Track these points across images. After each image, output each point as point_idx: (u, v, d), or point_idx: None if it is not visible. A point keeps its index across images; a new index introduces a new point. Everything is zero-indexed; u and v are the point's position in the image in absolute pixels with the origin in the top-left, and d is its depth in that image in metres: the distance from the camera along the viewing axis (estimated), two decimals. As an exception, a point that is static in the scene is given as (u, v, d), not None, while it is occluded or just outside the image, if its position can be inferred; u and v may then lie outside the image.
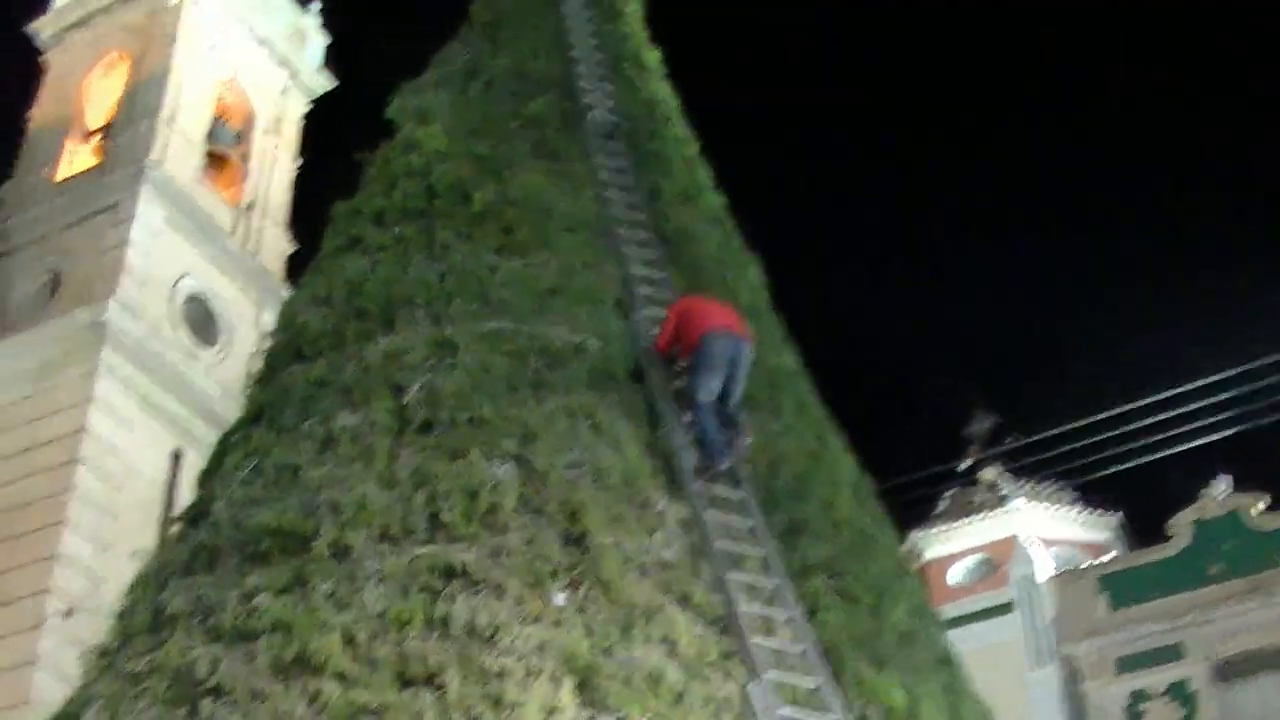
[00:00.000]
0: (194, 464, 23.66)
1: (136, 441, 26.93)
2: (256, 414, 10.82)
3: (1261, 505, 30.02)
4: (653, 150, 13.44)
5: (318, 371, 10.50)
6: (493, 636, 8.14)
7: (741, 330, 10.68)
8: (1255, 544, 29.53)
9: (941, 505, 36.66)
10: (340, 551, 8.78)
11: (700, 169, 14.02)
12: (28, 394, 27.23)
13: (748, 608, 9.10)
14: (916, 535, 34.34)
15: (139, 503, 26.45)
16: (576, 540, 8.95)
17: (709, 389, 10.36)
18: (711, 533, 9.49)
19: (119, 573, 18.27)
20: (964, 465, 37.00)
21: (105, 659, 9.21)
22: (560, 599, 8.50)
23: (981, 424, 37.92)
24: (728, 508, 9.81)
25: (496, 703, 7.78)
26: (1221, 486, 30.75)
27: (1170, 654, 29.13)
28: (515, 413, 9.73)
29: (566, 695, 7.91)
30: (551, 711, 7.80)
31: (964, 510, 35.72)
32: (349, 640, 8.20)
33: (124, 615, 9.63)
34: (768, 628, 9.19)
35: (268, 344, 11.87)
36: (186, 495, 11.24)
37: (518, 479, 9.21)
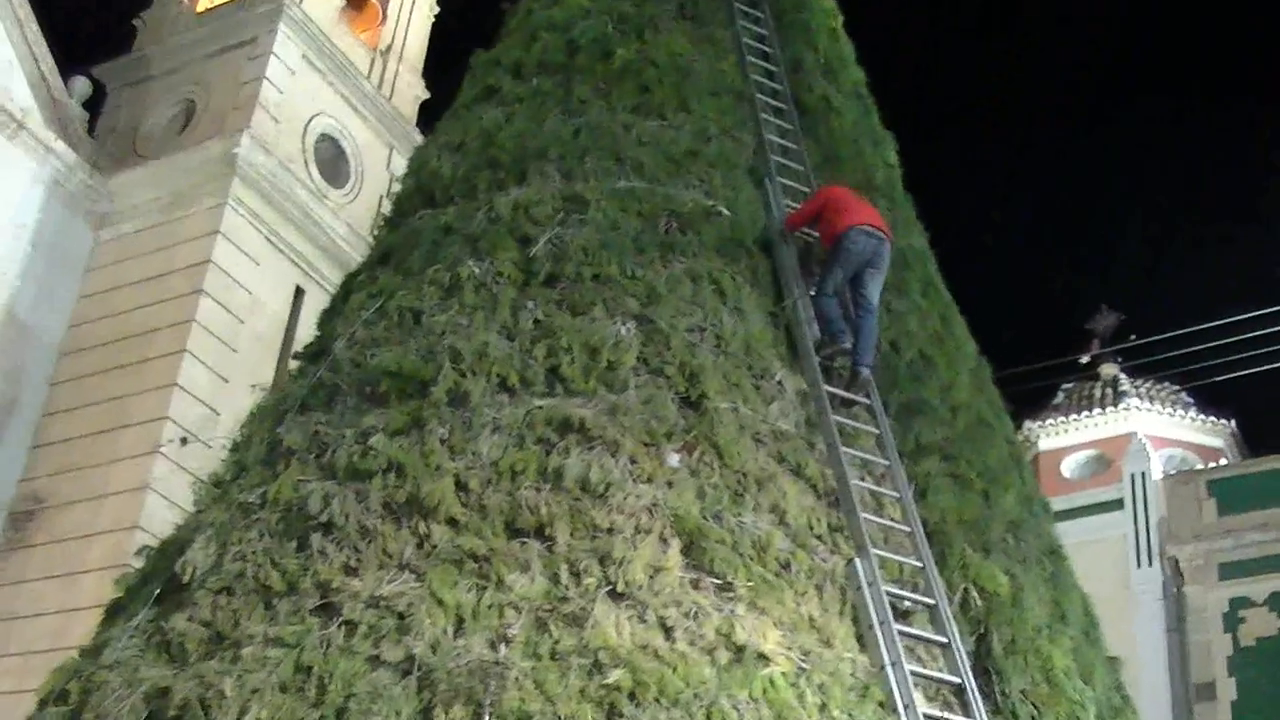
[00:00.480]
0: (316, 303, 23.91)
1: (261, 277, 27.19)
2: (383, 256, 10.88)
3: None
4: (798, 20, 13.27)
5: (447, 218, 10.51)
6: (604, 493, 8.19)
7: (885, 229, 10.57)
8: (1368, 459, 29.15)
9: (1059, 398, 36.41)
10: (458, 398, 8.83)
11: (844, 42, 13.81)
12: (157, 223, 27.54)
13: (859, 483, 9.11)
14: (1032, 426, 34.19)
15: (260, 338, 26.78)
16: (693, 403, 8.96)
17: (837, 281, 10.32)
18: (827, 406, 9.49)
19: (236, 406, 18.58)
20: (1084, 359, 36.68)
21: (219, 489, 9.35)
22: (674, 460, 8.52)
23: (1104, 320, 37.51)
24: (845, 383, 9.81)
25: (603, 558, 7.85)
26: (1340, 399, 30.32)
27: (1274, 564, 28.89)
28: (641, 273, 9.71)
29: (673, 556, 7.96)
30: (657, 571, 7.85)
31: (1081, 404, 35.49)
32: (461, 486, 8.26)
33: (239, 447, 9.76)
34: (877, 504, 9.20)
35: (398, 188, 11.91)
36: (307, 333, 11.34)
37: (639, 338, 9.22)
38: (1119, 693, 9.84)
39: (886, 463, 9.42)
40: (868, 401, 9.83)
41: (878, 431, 9.61)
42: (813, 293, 10.31)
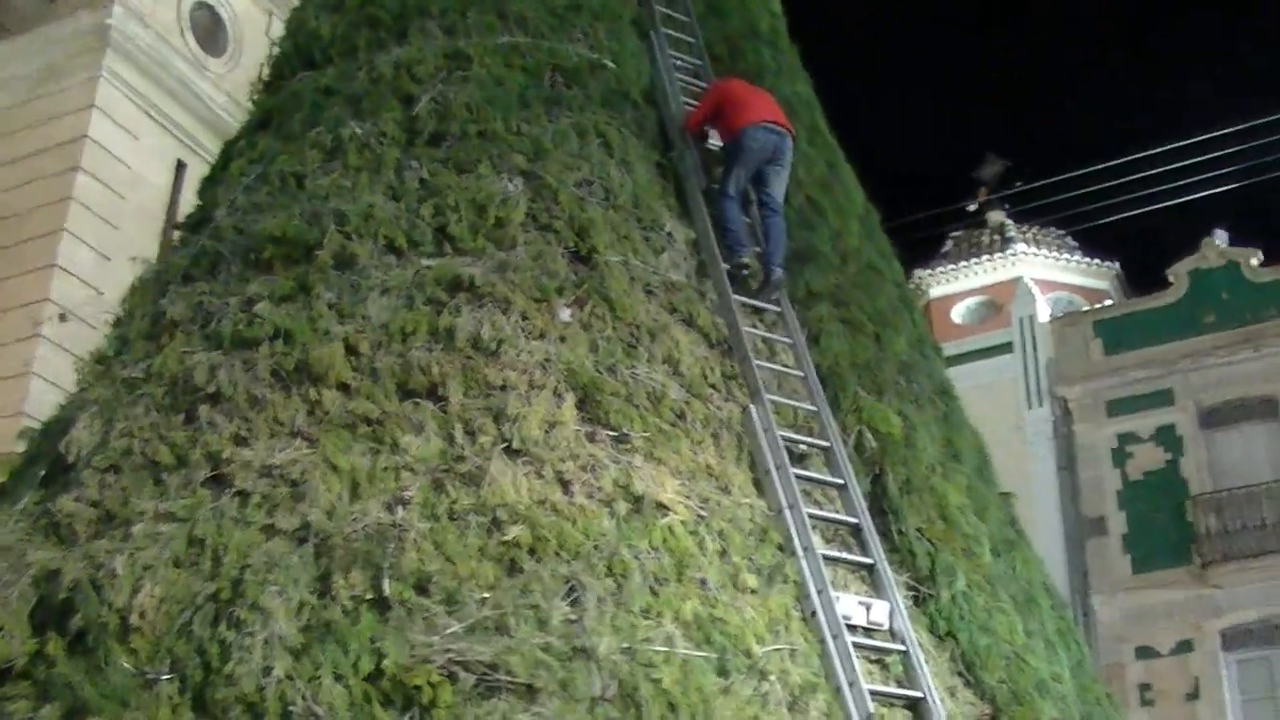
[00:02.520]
0: (198, 176, 23.33)
1: (140, 151, 26.62)
2: (263, 120, 10.66)
3: (1257, 260, 30.11)
4: None
5: (327, 80, 10.31)
6: (496, 350, 8.13)
7: (786, 123, 10.31)
8: (1250, 295, 29.74)
9: (947, 246, 36.79)
10: (344, 261, 8.71)
11: None
12: (27, 99, 26.80)
13: (751, 330, 9.11)
14: (922, 274, 34.55)
15: (142, 213, 26.26)
16: (583, 258, 8.90)
17: (739, 181, 10.00)
18: (717, 256, 9.46)
19: (119, 283, 18.21)
20: (972, 207, 37.02)
21: (101, 365, 9.13)
22: (565, 315, 8.47)
23: (991, 167, 37.87)
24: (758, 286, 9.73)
25: (498, 416, 7.80)
26: (1220, 238, 30.80)
27: (1160, 399, 29.51)
28: (527, 128, 9.59)
29: (568, 410, 7.94)
30: (552, 426, 7.82)
31: (969, 252, 35.91)
32: (351, 350, 8.17)
33: (121, 322, 9.55)
34: (770, 351, 9.23)
35: (277, 51, 11.64)
36: (190, 207, 11.11)
37: (526, 194, 9.12)
38: (1013, 527, 9.98)
39: (778, 307, 9.43)
40: (779, 309, 9.61)
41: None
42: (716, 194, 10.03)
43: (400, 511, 7.30)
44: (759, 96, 10.46)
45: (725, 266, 9.45)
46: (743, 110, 10.18)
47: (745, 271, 9.53)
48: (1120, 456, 29.48)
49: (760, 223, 10.06)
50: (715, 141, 10.41)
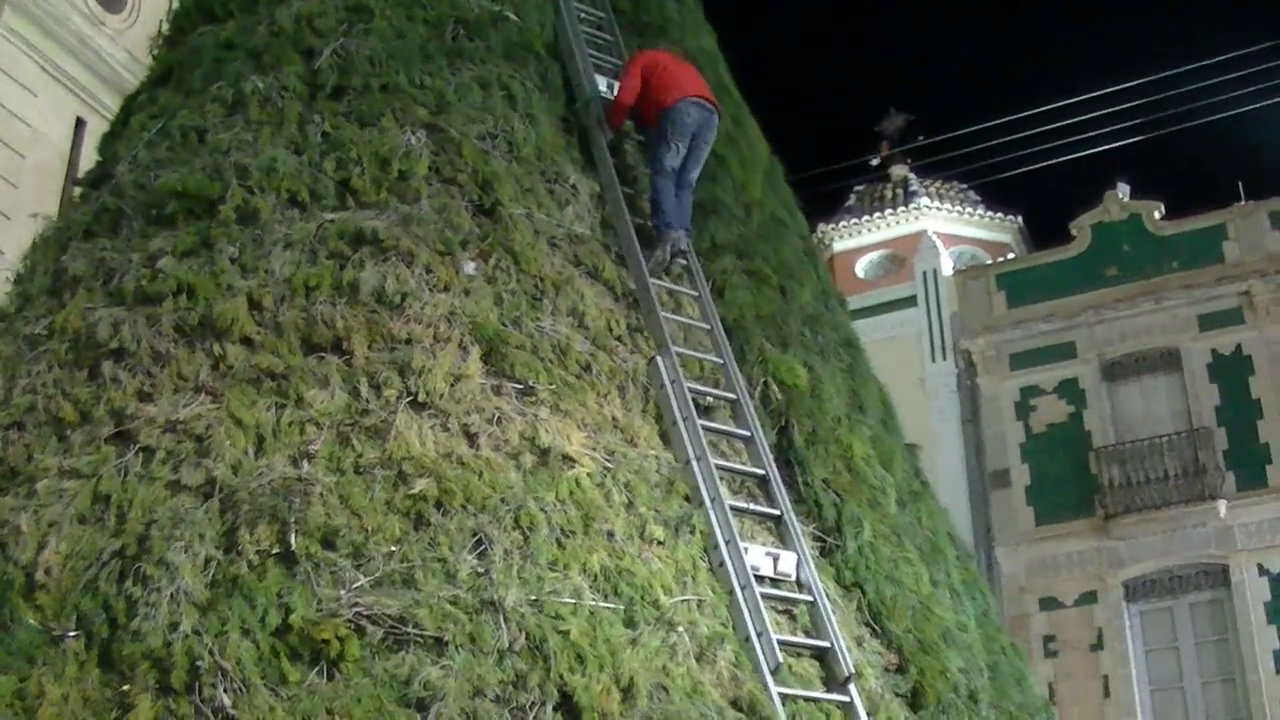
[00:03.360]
0: (98, 133, 23.13)
1: (39, 108, 26.25)
2: (163, 76, 10.56)
3: (1159, 212, 30.47)
4: None
5: (227, 33, 10.19)
6: (401, 304, 8.11)
7: (712, 99, 10.15)
8: (1152, 248, 30.07)
9: (851, 200, 36.97)
10: (247, 215, 8.65)
11: None
12: (-80, 56, 26.42)
13: (656, 283, 9.13)
14: (826, 228, 34.71)
15: (41, 170, 25.92)
16: (487, 211, 8.88)
17: (676, 158, 9.79)
18: (623, 207, 9.47)
19: (20, 241, 17.99)
20: (874, 161, 37.22)
21: (3, 322, 9.05)
22: (470, 268, 8.46)
23: (893, 121, 38.08)
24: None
25: (403, 369, 7.79)
26: (1122, 192, 31.11)
27: (1062, 352, 29.82)
28: (430, 81, 9.55)
29: (473, 363, 7.93)
30: (458, 379, 7.82)
31: (872, 206, 36.12)
32: (255, 304, 8.13)
33: (22, 279, 9.44)
34: (676, 303, 9.26)
35: (177, 6, 11.51)
36: (90, 164, 10.98)
37: (430, 148, 9.08)
38: (918, 478, 10.10)
39: (683, 261, 9.45)
40: (684, 262, 9.52)
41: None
42: (649, 171, 9.93)
43: (306, 466, 7.29)
44: (687, 70, 10.28)
45: (655, 257, 9.30)
46: (674, 84, 9.98)
47: (682, 261, 9.42)
48: (1023, 409, 29.78)
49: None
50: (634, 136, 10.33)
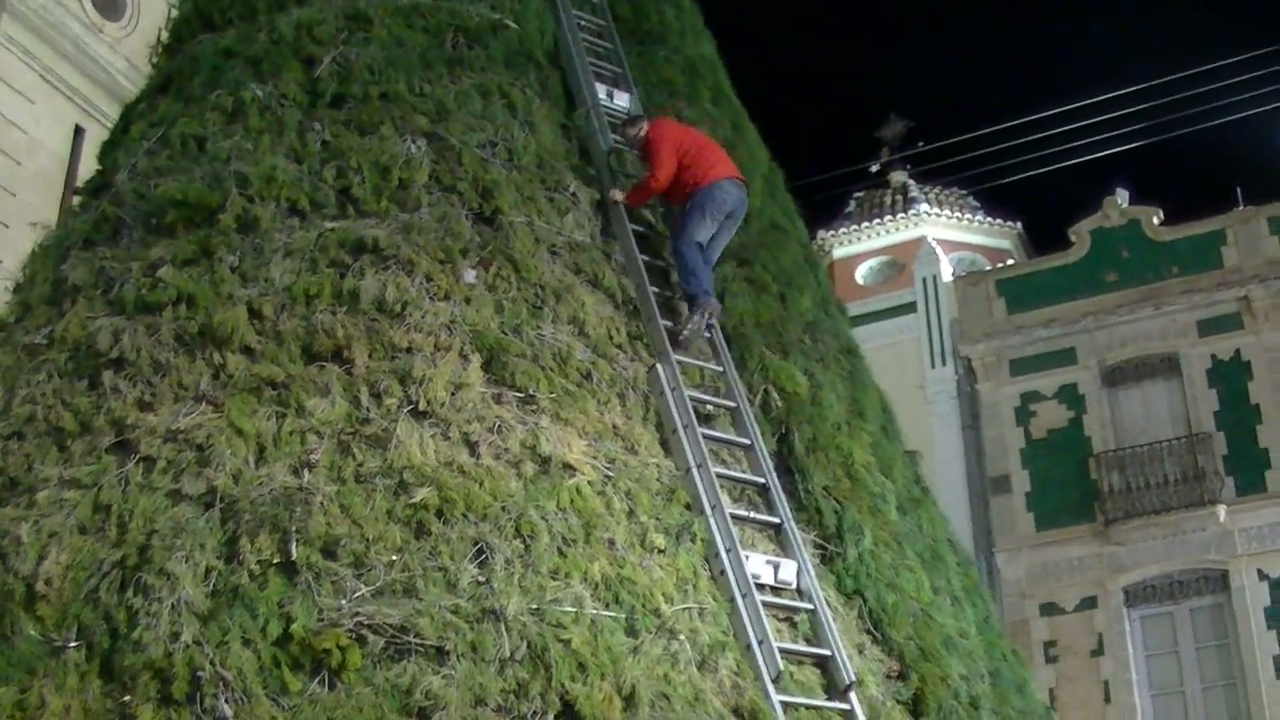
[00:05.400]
0: (97, 141, 23.06)
1: (38, 116, 26.23)
2: (163, 84, 10.57)
3: (1158, 218, 30.43)
4: None
5: (226, 41, 10.22)
6: (401, 312, 8.12)
7: (743, 179, 10.06)
8: (1151, 254, 30.01)
9: (850, 207, 36.95)
10: (247, 224, 8.66)
11: None
12: (-81, 64, 26.41)
13: (657, 290, 9.12)
14: (825, 235, 34.69)
15: (40, 179, 25.91)
16: (488, 219, 8.89)
17: (706, 233, 9.64)
18: (624, 217, 9.47)
19: (19, 250, 17.97)
20: (874, 168, 37.20)
21: (2, 331, 9.06)
22: (470, 276, 8.46)
23: (893, 127, 38.03)
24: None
25: (404, 378, 7.79)
26: (1121, 198, 31.07)
27: (1062, 358, 29.76)
28: (429, 89, 9.58)
29: (474, 371, 7.93)
30: (458, 387, 7.82)
31: (872, 212, 36.09)
32: (255, 313, 8.14)
33: (21, 287, 9.46)
34: (676, 311, 9.24)
35: (176, 13, 11.51)
36: (89, 173, 10.98)
37: (430, 156, 9.10)
38: (918, 485, 10.08)
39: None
40: (708, 335, 9.29)
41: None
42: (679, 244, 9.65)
43: (307, 475, 7.29)
44: (716, 149, 10.15)
45: (693, 321, 9.11)
46: (714, 164, 9.87)
47: (708, 332, 9.22)
48: (1023, 415, 29.73)
49: None
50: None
